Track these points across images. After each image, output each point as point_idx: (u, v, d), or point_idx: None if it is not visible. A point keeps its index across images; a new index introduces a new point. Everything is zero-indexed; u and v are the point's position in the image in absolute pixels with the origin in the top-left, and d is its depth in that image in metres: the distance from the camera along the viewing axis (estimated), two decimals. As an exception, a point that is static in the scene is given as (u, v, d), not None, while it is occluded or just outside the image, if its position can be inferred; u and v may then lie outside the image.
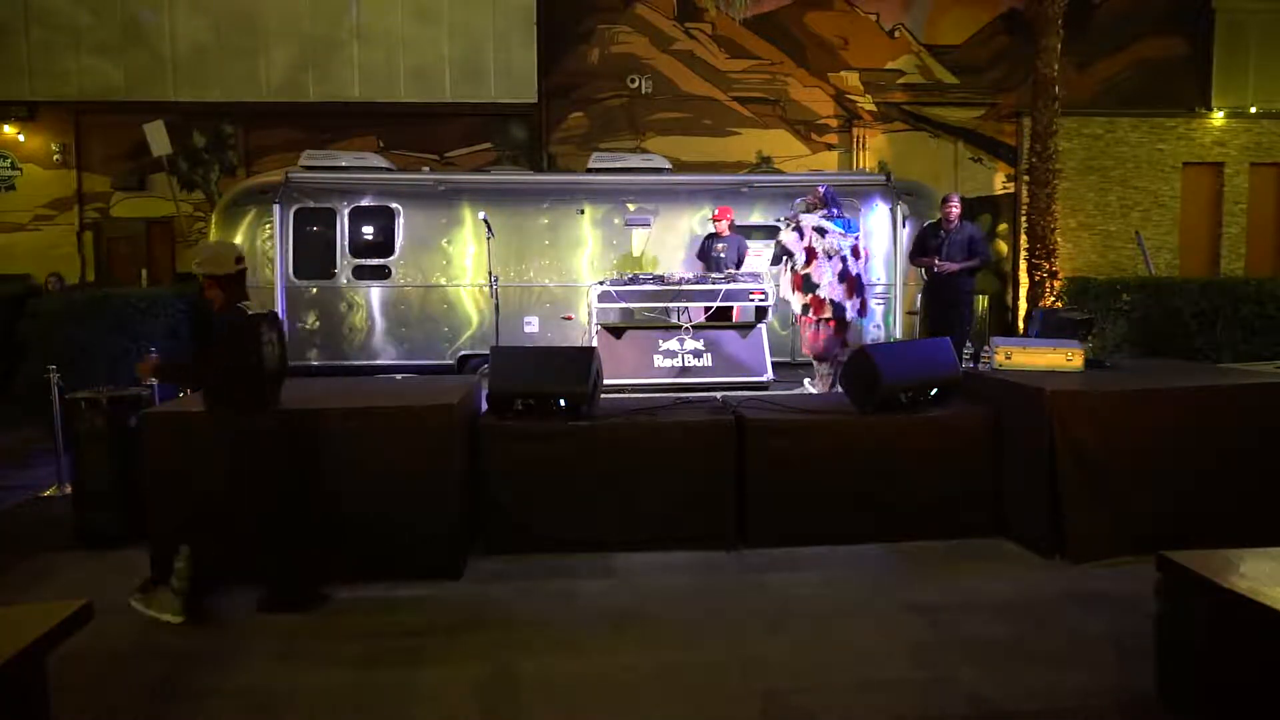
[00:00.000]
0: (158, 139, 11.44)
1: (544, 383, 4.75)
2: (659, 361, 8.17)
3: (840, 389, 5.30)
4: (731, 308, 8.21)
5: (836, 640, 3.63)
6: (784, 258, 7.31)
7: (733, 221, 8.74)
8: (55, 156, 12.42)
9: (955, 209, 8.01)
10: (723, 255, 8.57)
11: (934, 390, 5.00)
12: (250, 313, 3.91)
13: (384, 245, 9.08)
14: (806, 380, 7.65)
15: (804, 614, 3.88)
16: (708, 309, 8.24)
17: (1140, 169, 13.19)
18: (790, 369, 8.39)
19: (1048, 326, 5.91)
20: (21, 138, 12.37)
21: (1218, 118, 13.34)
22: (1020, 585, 4.18)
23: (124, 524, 4.75)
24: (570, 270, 9.23)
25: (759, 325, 8.15)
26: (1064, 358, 5.13)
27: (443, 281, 9.12)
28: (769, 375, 7.89)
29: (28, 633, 2.11)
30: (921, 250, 8.26)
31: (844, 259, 7.13)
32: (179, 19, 12.24)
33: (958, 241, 7.98)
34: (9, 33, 11.99)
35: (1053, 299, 11.09)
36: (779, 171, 12.22)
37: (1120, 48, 13.45)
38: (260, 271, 8.88)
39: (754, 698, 3.16)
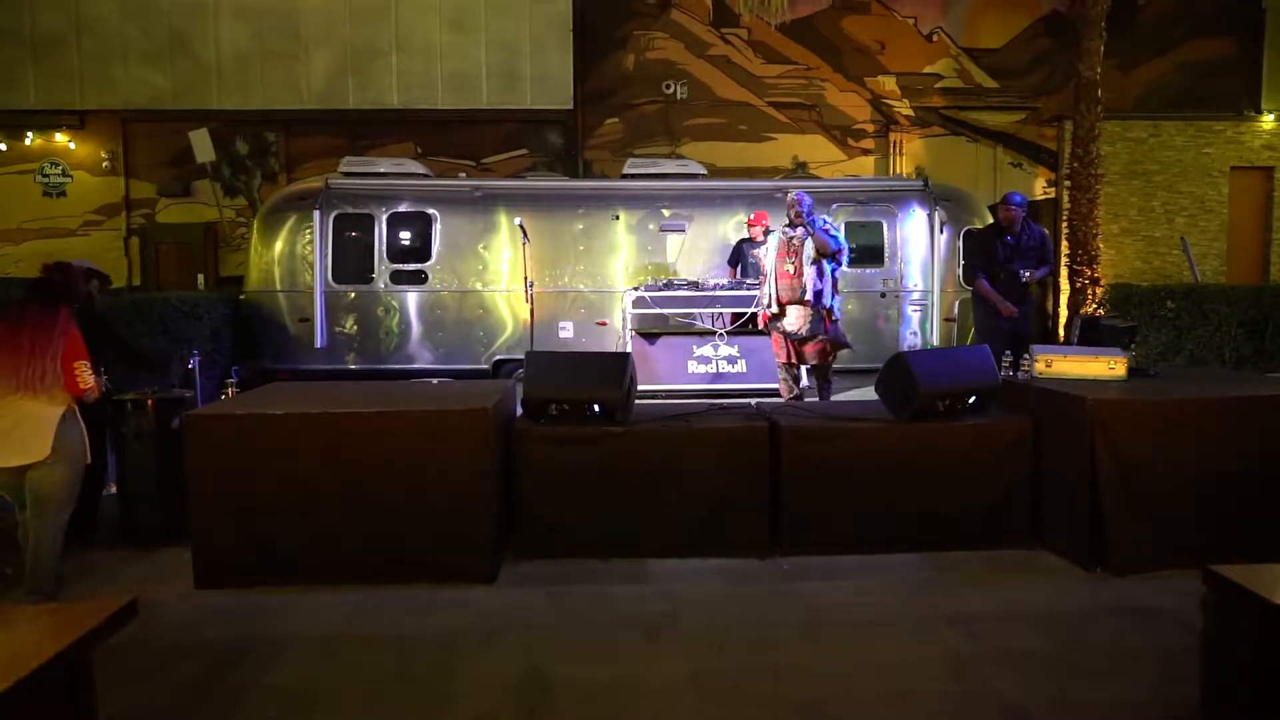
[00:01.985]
0: (202, 146, 11.73)
1: (579, 387, 4.75)
2: (693, 367, 8.17)
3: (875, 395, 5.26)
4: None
5: (871, 650, 3.59)
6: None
7: (767, 227, 8.70)
8: (104, 164, 12.75)
9: (1021, 210, 6.93)
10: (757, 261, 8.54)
11: (972, 398, 4.94)
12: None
13: (421, 250, 9.19)
14: (783, 388, 7.37)
15: (838, 623, 3.85)
16: (741, 315, 8.21)
17: (1186, 173, 12.89)
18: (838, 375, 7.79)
19: (1089, 334, 5.80)
20: (72, 145, 12.71)
21: (1268, 120, 13.02)
22: (1060, 597, 4.11)
23: (168, 522, 4.86)
24: (605, 276, 9.26)
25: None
26: (1106, 366, 5.04)
27: (478, 286, 9.20)
28: (804, 382, 7.83)
29: (75, 628, 2.16)
30: (987, 259, 6.98)
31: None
32: (222, 28, 12.51)
33: (1030, 245, 6.91)
34: (61, 43, 12.34)
35: (1094, 306, 10.91)
36: (815, 177, 12.16)
37: (1165, 49, 13.20)
38: (300, 276, 9.05)
39: (787, 706, 3.14)
